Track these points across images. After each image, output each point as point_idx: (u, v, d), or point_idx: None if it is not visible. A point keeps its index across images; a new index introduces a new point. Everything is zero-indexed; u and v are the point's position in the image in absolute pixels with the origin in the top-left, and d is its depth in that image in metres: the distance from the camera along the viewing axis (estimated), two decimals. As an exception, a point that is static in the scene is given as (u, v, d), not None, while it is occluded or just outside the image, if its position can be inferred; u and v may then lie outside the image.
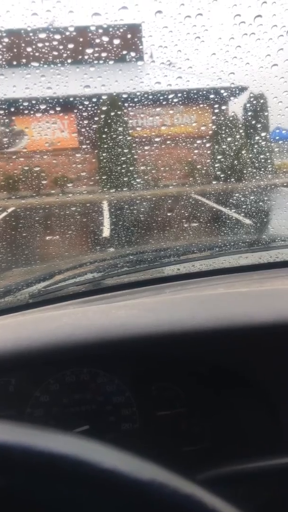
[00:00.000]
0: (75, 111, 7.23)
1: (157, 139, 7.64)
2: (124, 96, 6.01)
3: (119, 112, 7.38)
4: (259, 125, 7.33)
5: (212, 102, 7.67)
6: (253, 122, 7.42)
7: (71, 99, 4.80)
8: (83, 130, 8.16)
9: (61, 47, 2.54)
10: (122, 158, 7.15)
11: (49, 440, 0.31)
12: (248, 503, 0.28)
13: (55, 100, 4.12)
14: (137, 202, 6.33)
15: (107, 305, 0.90)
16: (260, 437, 0.74)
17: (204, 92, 6.58)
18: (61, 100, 4.66)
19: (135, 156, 7.59)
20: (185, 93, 6.38)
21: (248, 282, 1.04)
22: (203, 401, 0.77)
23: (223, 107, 7.89)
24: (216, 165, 6.86)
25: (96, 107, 7.19)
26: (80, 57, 3.26)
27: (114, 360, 0.75)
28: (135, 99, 5.90)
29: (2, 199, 7.45)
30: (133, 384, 0.75)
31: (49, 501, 0.29)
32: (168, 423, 0.76)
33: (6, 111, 6.51)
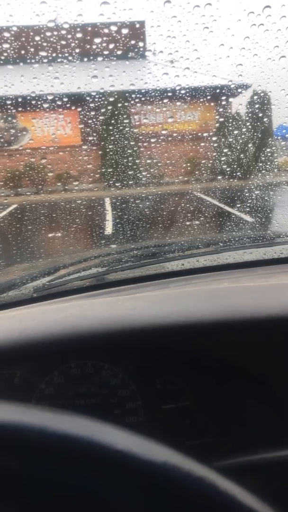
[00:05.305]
0: (82, 103, 7.16)
1: (163, 132, 7.57)
2: (131, 87, 5.96)
3: (125, 104, 7.31)
4: (265, 119, 7.23)
5: (217, 97, 7.56)
6: (260, 115, 7.32)
7: (78, 90, 4.77)
8: (89, 121, 8.10)
9: (69, 36, 2.52)
10: (128, 151, 7.11)
11: (63, 422, 0.31)
12: (255, 494, 0.28)
13: (62, 92, 4.09)
14: (142, 196, 6.31)
15: (113, 298, 0.90)
16: (265, 431, 0.74)
17: (210, 87, 6.49)
18: (68, 91, 4.64)
19: (141, 149, 7.54)
20: (191, 87, 6.30)
21: (252, 277, 1.04)
22: (208, 394, 0.77)
23: (230, 100, 7.78)
24: (221, 160, 6.80)
25: (103, 98, 7.12)
26: (88, 46, 3.22)
27: (119, 352, 0.75)
28: (142, 91, 5.85)
29: (7, 195, 7.45)
30: (137, 377, 0.75)
31: (62, 482, 0.29)
32: (172, 417, 0.76)
33: (13, 101, 6.47)
